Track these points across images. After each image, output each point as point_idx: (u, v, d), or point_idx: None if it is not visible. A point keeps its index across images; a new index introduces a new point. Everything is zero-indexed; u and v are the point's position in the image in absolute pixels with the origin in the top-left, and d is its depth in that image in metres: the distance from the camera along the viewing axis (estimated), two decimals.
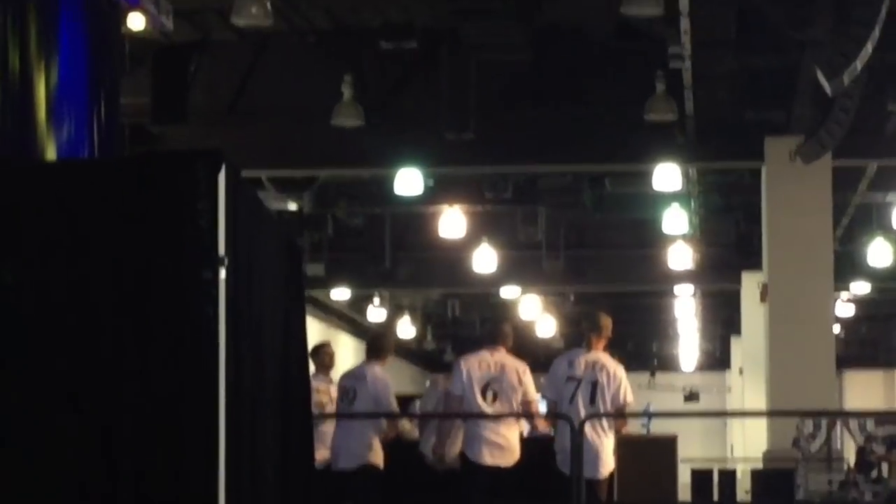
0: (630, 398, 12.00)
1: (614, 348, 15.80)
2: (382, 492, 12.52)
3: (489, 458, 11.79)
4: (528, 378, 12.50)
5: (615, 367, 11.91)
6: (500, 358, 12.17)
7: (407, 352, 39.92)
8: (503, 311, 35.48)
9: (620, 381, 11.77)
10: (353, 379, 12.37)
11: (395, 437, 13.04)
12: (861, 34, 15.07)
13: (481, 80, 20.44)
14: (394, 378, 32.82)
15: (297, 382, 8.64)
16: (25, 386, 7.37)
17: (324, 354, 13.39)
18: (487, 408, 11.98)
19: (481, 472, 11.75)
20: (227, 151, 7.28)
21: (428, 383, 13.64)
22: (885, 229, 27.84)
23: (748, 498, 23.14)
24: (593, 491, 11.28)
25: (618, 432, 12.03)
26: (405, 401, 14.12)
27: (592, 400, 11.69)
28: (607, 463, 11.48)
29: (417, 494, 12.10)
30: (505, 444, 11.89)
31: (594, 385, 11.72)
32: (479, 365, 12.06)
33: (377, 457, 12.39)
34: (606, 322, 12.41)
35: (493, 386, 12.04)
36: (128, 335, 7.24)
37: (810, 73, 17.60)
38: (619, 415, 12.48)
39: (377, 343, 12.92)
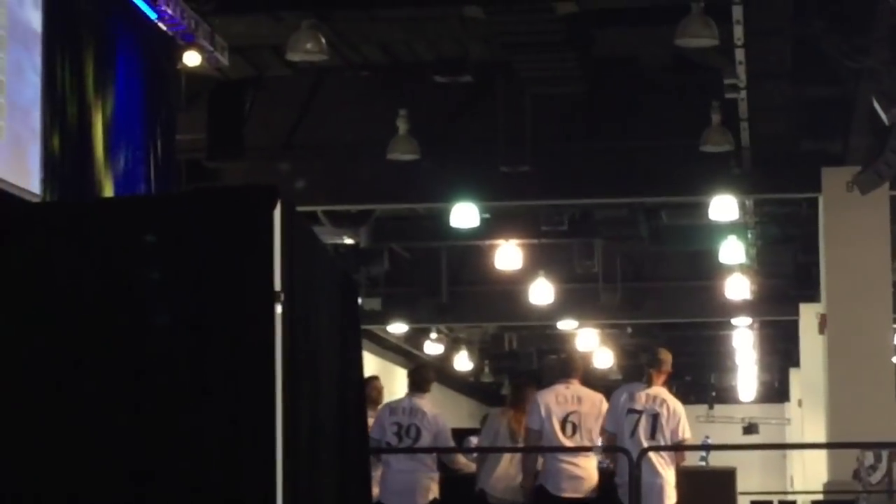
0: (688, 434, 11.96)
1: (672, 380, 15.77)
2: None
3: (569, 491, 11.76)
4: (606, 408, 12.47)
5: (675, 402, 11.90)
6: (575, 391, 12.14)
7: (464, 385, 39.86)
8: (561, 343, 35.35)
9: (680, 417, 11.76)
10: (409, 416, 12.23)
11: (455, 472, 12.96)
12: None
13: (536, 112, 20.55)
14: (451, 411, 32.84)
15: (355, 419, 8.63)
16: (83, 416, 7.35)
17: (372, 388, 13.28)
18: (567, 441, 11.94)
19: (553, 502, 11.71)
20: (282, 186, 7.26)
21: (485, 417, 13.60)
22: None
23: None
24: None
25: (677, 466, 11.96)
26: (461, 434, 14.07)
27: (653, 433, 11.67)
28: (671, 496, 11.43)
29: None
30: (585, 475, 11.91)
31: (655, 418, 11.71)
32: (555, 398, 12.03)
33: (435, 493, 12.31)
34: (666, 357, 12.40)
35: (572, 418, 11.99)
36: (184, 371, 7.23)
37: (867, 103, 17.54)
38: (680, 447, 12.41)
39: (423, 375, 12.81)
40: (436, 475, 12.29)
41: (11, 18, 12.31)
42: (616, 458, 11.77)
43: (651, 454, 11.57)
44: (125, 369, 7.45)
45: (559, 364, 16.58)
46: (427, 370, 13.26)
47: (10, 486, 7.48)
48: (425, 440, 12.10)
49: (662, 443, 11.63)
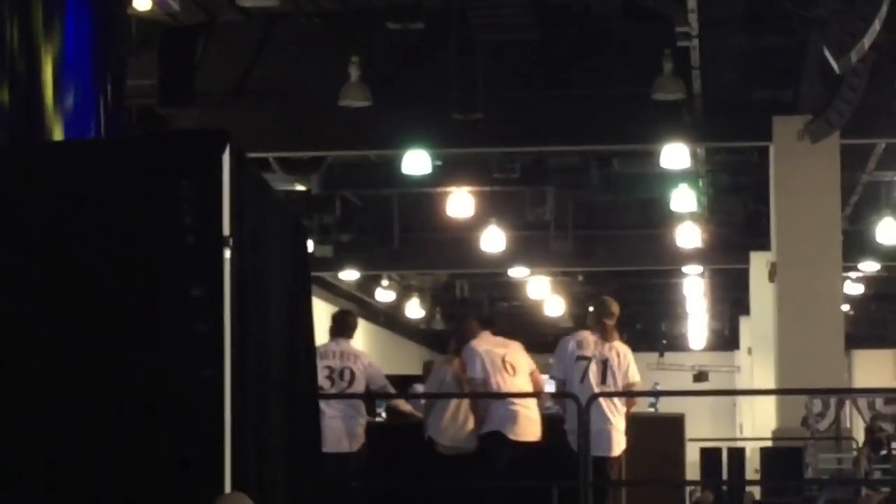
0: (638, 379, 11.97)
1: (623, 328, 15.83)
2: (393, 476, 12.37)
3: (529, 434, 11.75)
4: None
5: (624, 348, 11.90)
6: (503, 340, 12.13)
7: (415, 332, 39.98)
8: (512, 291, 35.49)
9: (629, 362, 11.76)
10: (340, 359, 12.12)
11: (398, 418, 12.91)
12: (868, 12, 15.06)
13: (489, 60, 20.46)
14: (401, 358, 32.94)
15: (304, 364, 8.62)
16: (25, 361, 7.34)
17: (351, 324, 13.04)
18: (511, 380, 11.90)
19: (508, 446, 11.70)
20: (233, 132, 7.21)
21: (427, 364, 13.49)
22: (894, 208, 27.85)
23: (757, 476, 23.16)
24: (606, 468, 11.24)
25: (627, 412, 12.00)
26: (407, 381, 14.00)
27: (603, 379, 11.68)
28: (620, 442, 11.47)
29: (426, 477, 11.99)
30: (535, 417, 11.86)
31: (605, 364, 11.70)
32: (488, 343, 11.99)
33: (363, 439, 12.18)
34: (614, 307, 12.36)
35: (509, 359, 11.99)
36: (131, 314, 7.26)
37: (818, 52, 17.64)
38: (630, 393, 12.45)
39: (347, 321, 12.71)
40: (365, 420, 12.22)
41: None
42: (565, 404, 11.78)
43: (601, 400, 11.61)
44: (73, 316, 7.44)
45: (486, 317, 16.80)
46: (352, 315, 13.16)
47: None
48: (360, 384, 12.02)
49: (612, 389, 11.64)
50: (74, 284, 7.47)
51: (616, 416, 11.78)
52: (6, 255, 7.58)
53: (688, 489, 16.51)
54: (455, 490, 11.63)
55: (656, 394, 17.36)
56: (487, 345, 12.08)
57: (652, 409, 14.39)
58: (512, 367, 12.02)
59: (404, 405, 12.92)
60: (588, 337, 12.24)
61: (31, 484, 7.47)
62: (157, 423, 7.14)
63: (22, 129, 13.20)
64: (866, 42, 15.88)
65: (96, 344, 7.33)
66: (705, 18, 17.35)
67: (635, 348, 14.05)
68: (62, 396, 7.38)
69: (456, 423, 12.04)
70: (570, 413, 11.88)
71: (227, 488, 7.08)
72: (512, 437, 11.80)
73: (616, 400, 11.87)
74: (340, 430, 11.48)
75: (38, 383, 7.35)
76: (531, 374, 12.28)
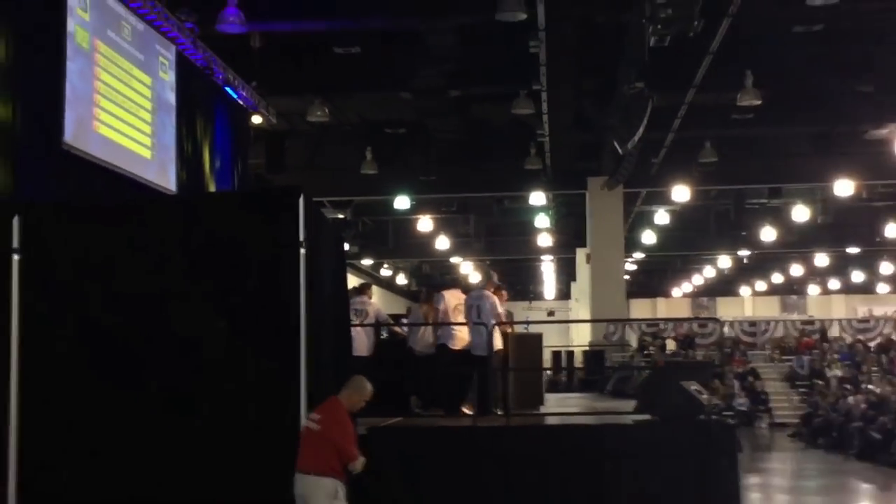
0: (500, 310, 11.52)
1: (511, 289, 15.83)
2: (393, 367, 12.18)
3: (456, 345, 11.53)
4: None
5: (491, 297, 11.41)
6: (459, 294, 11.92)
7: (400, 291, 39.80)
8: (453, 270, 35.43)
9: (494, 304, 11.32)
10: (362, 305, 12.01)
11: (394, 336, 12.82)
12: (637, 122, 15.18)
13: (440, 148, 20.56)
14: (394, 305, 32.88)
15: (343, 306, 8.56)
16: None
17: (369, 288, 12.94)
18: (459, 318, 11.63)
19: (450, 352, 11.52)
20: (305, 187, 7.24)
21: (409, 307, 13.56)
22: (651, 225, 28.08)
23: (581, 365, 23.27)
24: (490, 359, 10.88)
25: (504, 333, 11.58)
26: (398, 317, 13.94)
27: (479, 314, 11.25)
28: (488, 345, 10.92)
29: (408, 366, 11.92)
30: (465, 337, 11.57)
31: (479, 307, 11.30)
32: (451, 296, 11.83)
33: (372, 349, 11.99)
34: (492, 274, 12.09)
35: (458, 306, 11.79)
36: (246, 282, 7.05)
37: (611, 143, 17.79)
38: (510, 323, 12.11)
39: (365, 287, 12.59)
40: (373, 339, 12.03)
41: (157, 98, 12.20)
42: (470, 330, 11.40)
43: (478, 326, 11.15)
44: (199, 288, 7.06)
45: (450, 280, 16.77)
46: (369, 285, 12.98)
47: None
48: (371, 318, 11.90)
49: (485, 321, 11.19)
50: (206, 265, 7.12)
51: (484, 333, 11.22)
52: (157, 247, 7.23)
53: (545, 373, 16.61)
54: (423, 376, 11.54)
55: (527, 322, 17.43)
56: (449, 296, 11.94)
57: (525, 330, 14.46)
58: (458, 310, 11.88)
59: (397, 329, 12.82)
60: (477, 292, 11.85)
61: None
62: (264, 347, 6.98)
63: (192, 187, 13.24)
64: (636, 138, 16.00)
65: (218, 314, 7.02)
66: (552, 126, 17.55)
67: (514, 299, 14.01)
68: (198, 331, 7.04)
69: (424, 339, 11.99)
70: (474, 334, 11.47)
71: (304, 374, 6.88)
72: (452, 346, 11.67)
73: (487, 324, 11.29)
74: (363, 343, 11.42)
75: (183, 324, 7.08)
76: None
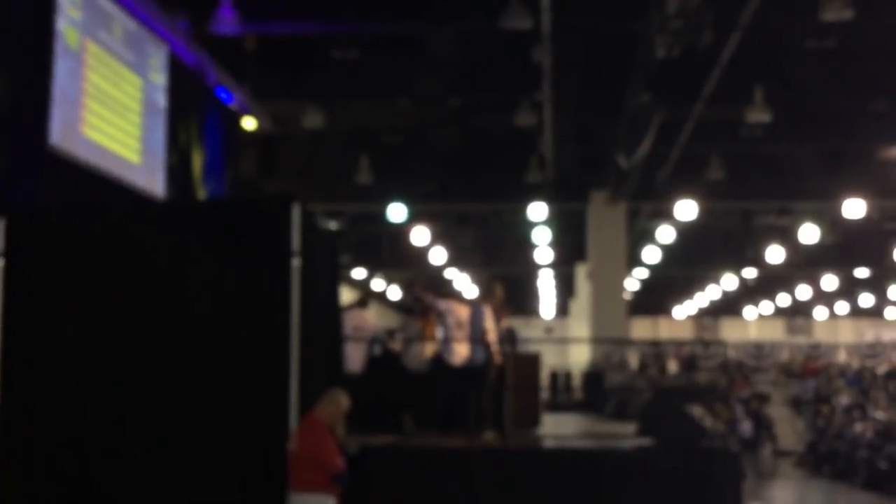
0: (488, 325, 11.39)
1: (509, 304, 15.73)
2: (385, 382, 12.10)
3: (454, 359, 11.38)
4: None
5: (483, 310, 11.24)
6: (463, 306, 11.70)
7: (391, 304, 39.71)
8: (446, 284, 35.38)
9: (484, 317, 11.08)
10: (358, 319, 11.91)
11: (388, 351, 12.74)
12: (642, 136, 15.23)
13: (438, 157, 20.64)
14: (387, 318, 32.80)
15: (334, 322, 8.55)
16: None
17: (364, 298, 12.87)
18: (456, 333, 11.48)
19: (444, 368, 11.40)
20: (299, 195, 7.24)
21: (403, 322, 13.44)
22: (654, 241, 28.13)
23: (580, 386, 23.27)
24: (486, 372, 10.72)
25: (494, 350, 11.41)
26: (391, 331, 13.82)
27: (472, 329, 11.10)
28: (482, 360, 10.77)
29: (400, 385, 11.82)
30: (463, 352, 11.41)
31: (474, 319, 11.12)
32: (460, 307, 11.63)
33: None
34: (495, 288, 11.96)
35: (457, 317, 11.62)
36: (237, 291, 7.01)
37: (614, 157, 17.79)
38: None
39: (363, 299, 12.53)
40: (368, 353, 11.92)
41: (147, 100, 12.21)
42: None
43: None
44: (194, 297, 7.07)
45: (444, 292, 16.73)
46: (365, 297, 12.93)
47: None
48: (367, 333, 11.82)
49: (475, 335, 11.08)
50: (195, 274, 7.10)
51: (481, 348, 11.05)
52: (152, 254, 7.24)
53: (541, 392, 16.52)
54: (417, 392, 11.44)
55: (524, 340, 17.41)
56: (457, 307, 11.75)
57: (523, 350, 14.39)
58: (459, 324, 11.72)
59: (392, 345, 12.72)
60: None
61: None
62: (254, 354, 7.01)
63: (182, 192, 13.24)
64: (641, 152, 16.05)
65: (211, 323, 7.04)
66: (555, 139, 17.58)
67: (513, 315, 13.93)
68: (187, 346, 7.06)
69: (419, 356, 11.90)
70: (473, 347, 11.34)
71: (294, 389, 6.91)
72: (450, 361, 11.49)
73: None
74: (356, 358, 11.34)
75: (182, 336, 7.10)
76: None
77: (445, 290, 30.92)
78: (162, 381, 6.99)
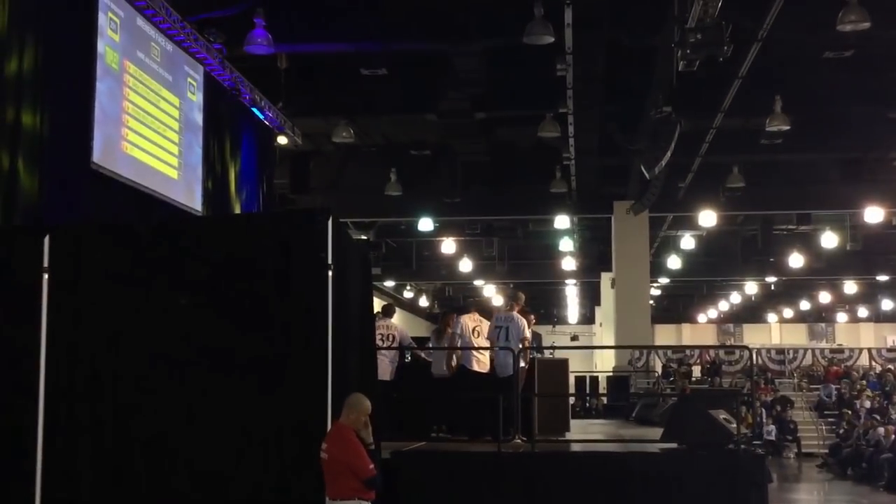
0: (527, 334, 11.49)
1: (535, 311, 15.71)
2: (414, 389, 12.14)
3: (477, 368, 11.48)
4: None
5: (519, 319, 11.39)
6: (478, 316, 11.88)
7: (422, 314, 39.85)
8: (474, 293, 35.44)
9: (522, 326, 11.25)
10: (387, 329, 11.96)
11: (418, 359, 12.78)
12: (664, 146, 15.16)
13: (465, 170, 20.68)
14: (416, 328, 32.94)
15: (369, 328, 8.56)
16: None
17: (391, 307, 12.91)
18: (476, 342, 11.59)
19: (470, 374, 11.47)
20: (332, 208, 7.29)
21: (433, 332, 13.41)
22: (678, 249, 28.02)
23: (605, 391, 23.19)
24: (513, 381, 10.80)
25: (525, 354, 11.49)
26: (422, 340, 13.88)
27: (507, 337, 11.24)
28: (513, 367, 10.82)
29: (428, 389, 11.80)
30: (485, 360, 11.56)
31: (508, 329, 11.26)
32: (469, 319, 11.78)
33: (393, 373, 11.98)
34: (520, 296, 12.04)
35: (477, 329, 11.73)
36: (274, 303, 7.09)
37: (637, 167, 17.77)
38: (536, 347, 12.07)
39: (390, 308, 12.59)
40: (397, 363, 11.99)
41: (185, 118, 12.36)
42: (496, 352, 11.44)
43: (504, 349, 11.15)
44: (235, 307, 7.11)
45: (469, 303, 16.75)
46: (392, 306, 12.93)
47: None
48: (396, 342, 11.86)
49: (513, 344, 11.20)
50: (233, 287, 7.14)
51: (510, 355, 11.17)
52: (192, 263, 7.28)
53: (570, 399, 16.51)
54: (444, 398, 11.46)
55: (552, 347, 17.34)
56: (467, 319, 11.89)
57: (551, 355, 14.30)
58: (478, 332, 11.84)
59: (420, 353, 12.77)
60: (503, 314, 11.84)
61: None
62: (291, 369, 7.03)
63: (218, 207, 13.35)
64: (663, 162, 16.00)
65: (246, 329, 7.09)
66: (578, 149, 17.56)
67: (539, 323, 13.98)
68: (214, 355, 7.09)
69: (443, 364, 11.92)
70: (497, 357, 11.43)
71: (330, 398, 6.93)
72: (471, 368, 11.58)
73: (513, 345, 11.27)
74: (387, 367, 11.37)
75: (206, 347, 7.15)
76: (488, 336, 12.02)
77: (473, 298, 30.99)
78: (202, 392, 7.01)
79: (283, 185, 19.72)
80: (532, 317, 12.08)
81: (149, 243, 7.41)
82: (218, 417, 6.98)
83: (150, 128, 11.36)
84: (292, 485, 6.83)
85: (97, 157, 10.01)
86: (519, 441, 10.14)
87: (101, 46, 10.22)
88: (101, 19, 10.22)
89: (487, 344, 11.20)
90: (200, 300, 7.14)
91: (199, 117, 12.81)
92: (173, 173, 11.92)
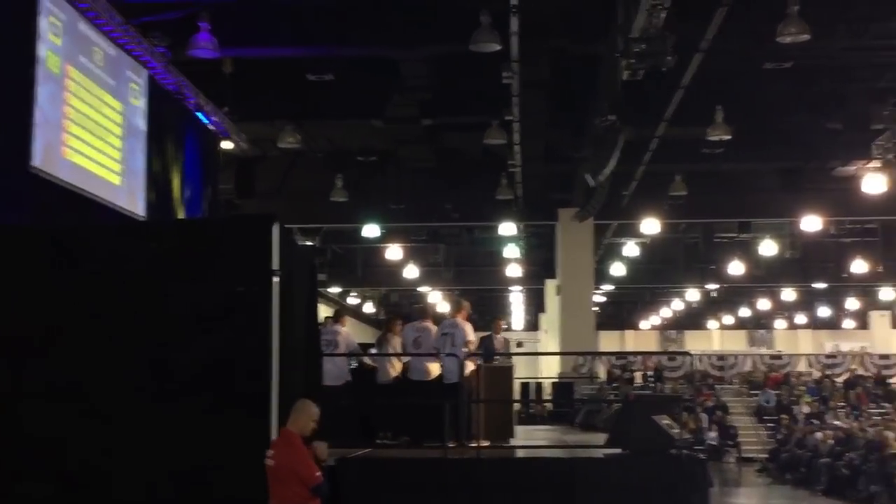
0: (471, 338, 11.50)
1: (481, 318, 15.79)
2: (360, 395, 12.10)
3: (422, 377, 11.47)
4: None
5: (464, 325, 11.35)
6: (424, 325, 11.88)
7: (368, 320, 39.70)
8: (419, 299, 35.41)
9: (466, 333, 11.22)
10: (333, 335, 11.89)
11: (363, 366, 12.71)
12: (608, 155, 15.29)
13: (408, 177, 20.66)
14: (362, 334, 32.78)
15: (314, 336, 8.51)
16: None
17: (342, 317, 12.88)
18: (416, 350, 11.62)
19: (415, 381, 11.42)
20: (278, 214, 7.23)
21: (378, 340, 13.31)
22: (622, 257, 28.27)
23: (550, 397, 23.31)
24: (460, 386, 10.81)
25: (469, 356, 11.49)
26: (367, 346, 13.78)
27: (453, 343, 11.24)
28: (460, 373, 10.86)
29: (372, 395, 11.75)
30: (426, 369, 11.56)
31: (453, 336, 11.25)
32: (414, 328, 11.78)
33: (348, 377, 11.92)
34: (464, 303, 12.03)
35: (420, 339, 11.76)
36: (218, 310, 6.99)
37: (582, 175, 17.90)
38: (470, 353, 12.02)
39: (340, 314, 12.50)
40: (347, 369, 11.93)
41: (127, 123, 12.16)
42: (441, 358, 11.39)
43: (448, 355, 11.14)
44: (172, 312, 7.05)
45: (417, 310, 16.68)
46: (342, 311, 12.86)
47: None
48: (342, 348, 11.78)
49: (458, 351, 11.15)
50: (177, 293, 7.06)
51: (455, 361, 11.17)
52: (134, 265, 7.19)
53: (515, 405, 16.54)
54: (387, 405, 11.42)
55: (498, 354, 17.48)
56: (413, 327, 11.86)
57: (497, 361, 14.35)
58: (420, 343, 11.80)
59: (366, 360, 12.68)
60: (447, 321, 11.84)
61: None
62: (236, 376, 6.98)
63: (162, 212, 13.17)
64: (608, 170, 16.13)
65: (187, 334, 7.01)
66: (524, 156, 17.65)
67: (484, 329, 13.93)
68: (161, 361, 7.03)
69: (388, 371, 11.87)
70: (444, 362, 11.41)
71: (275, 404, 6.89)
72: (413, 378, 11.55)
73: (457, 353, 11.25)
74: (332, 373, 11.31)
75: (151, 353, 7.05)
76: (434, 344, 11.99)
77: (419, 305, 30.96)
78: (142, 397, 6.92)
79: (229, 190, 19.55)
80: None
81: (88, 248, 7.30)
82: (157, 423, 6.85)
83: (93, 133, 11.11)
84: (236, 493, 6.66)
85: (37, 161, 9.76)
86: (469, 445, 10.17)
87: (42, 51, 9.99)
88: (43, 23, 10.01)
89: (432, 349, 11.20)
90: (141, 307, 7.02)
91: (142, 122, 12.64)
92: (116, 179, 11.73)
